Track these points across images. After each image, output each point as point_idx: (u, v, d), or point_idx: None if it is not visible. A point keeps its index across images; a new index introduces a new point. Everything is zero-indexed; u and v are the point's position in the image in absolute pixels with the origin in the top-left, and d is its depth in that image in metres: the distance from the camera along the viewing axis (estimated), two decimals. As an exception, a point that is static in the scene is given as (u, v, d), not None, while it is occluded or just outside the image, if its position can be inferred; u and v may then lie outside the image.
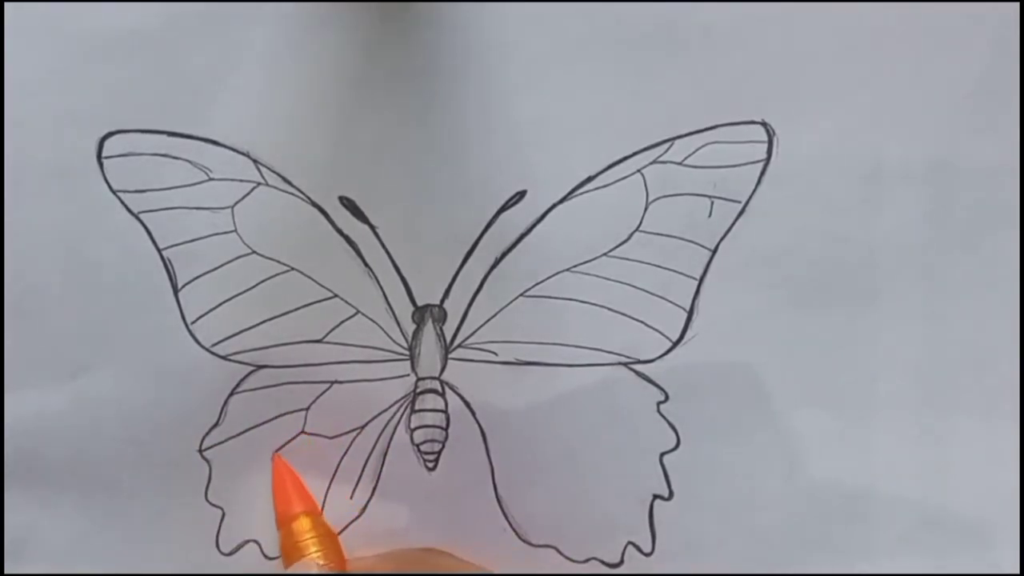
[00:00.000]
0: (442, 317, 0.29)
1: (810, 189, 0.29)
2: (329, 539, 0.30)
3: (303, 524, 0.30)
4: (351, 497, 0.31)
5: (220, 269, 0.29)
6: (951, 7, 0.28)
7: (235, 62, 0.28)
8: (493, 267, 0.29)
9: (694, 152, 0.28)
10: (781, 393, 0.30)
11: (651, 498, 0.30)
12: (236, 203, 0.28)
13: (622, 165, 0.28)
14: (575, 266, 0.29)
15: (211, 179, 0.28)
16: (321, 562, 0.29)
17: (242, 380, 0.29)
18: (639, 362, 0.30)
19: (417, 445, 0.30)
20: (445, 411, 0.30)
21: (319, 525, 0.30)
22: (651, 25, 0.28)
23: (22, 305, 0.29)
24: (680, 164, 0.28)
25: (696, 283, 0.29)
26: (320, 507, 0.30)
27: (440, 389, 0.30)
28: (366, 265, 0.29)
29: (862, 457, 0.30)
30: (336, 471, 0.30)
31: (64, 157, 0.28)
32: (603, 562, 0.31)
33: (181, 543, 0.30)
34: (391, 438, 0.30)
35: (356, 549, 0.30)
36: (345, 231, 0.29)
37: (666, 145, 0.28)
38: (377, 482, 0.30)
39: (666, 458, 0.30)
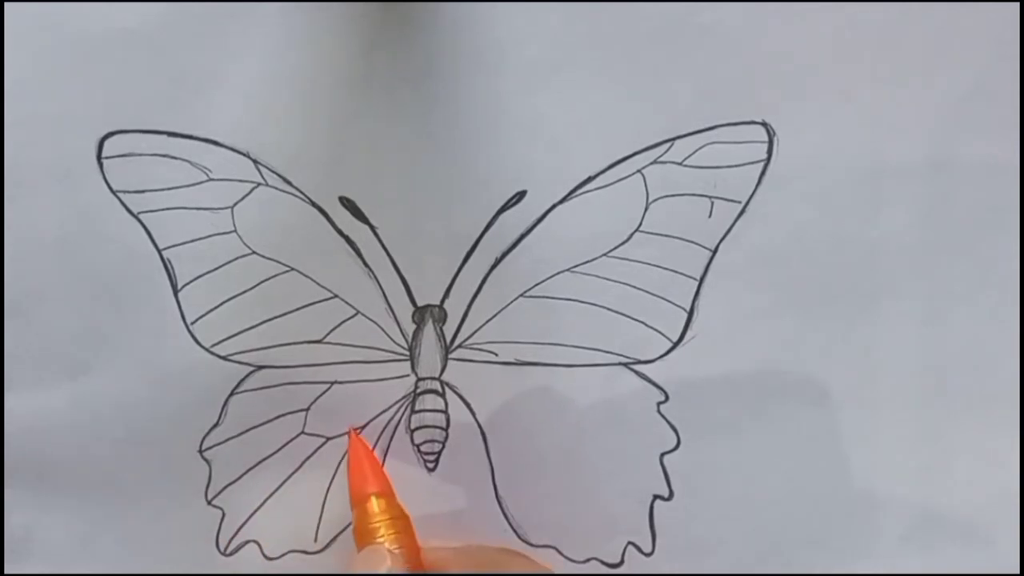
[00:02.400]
0: (442, 317, 0.29)
1: (810, 189, 0.29)
2: (402, 522, 0.29)
3: (376, 505, 0.29)
4: (351, 498, 0.31)
5: (220, 269, 0.29)
6: (951, 7, 0.28)
7: (235, 62, 0.28)
8: (493, 267, 0.29)
9: (694, 152, 0.28)
10: (781, 393, 0.30)
11: (651, 498, 0.30)
12: (236, 203, 0.28)
13: (622, 165, 0.28)
14: (575, 266, 0.29)
15: (211, 179, 0.28)
16: (393, 547, 0.28)
17: (242, 380, 0.29)
18: (639, 362, 0.30)
19: (417, 445, 0.30)
20: (445, 411, 0.30)
21: (393, 507, 0.29)
22: (651, 25, 0.28)
23: (22, 305, 0.29)
24: (680, 164, 0.28)
25: (696, 283, 0.29)
26: (393, 489, 0.30)
27: (440, 389, 0.30)
28: (366, 265, 0.29)
29: (862, 457, 0.30)
30: (336, 471, 0.30)
31: (64, 157, 0.28)
32: (603, 562, 0.31)
33: (181, 543, 0.30)
34: (391, 438, 0.30)
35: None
36: (345, 231, 0.29)
37: (666, 145, 0.28)
38: (377, 482, 0.30)
39: (666, 458, 0.30)
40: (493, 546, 0.30)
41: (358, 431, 0.30)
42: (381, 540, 0.28)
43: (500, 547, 0.30)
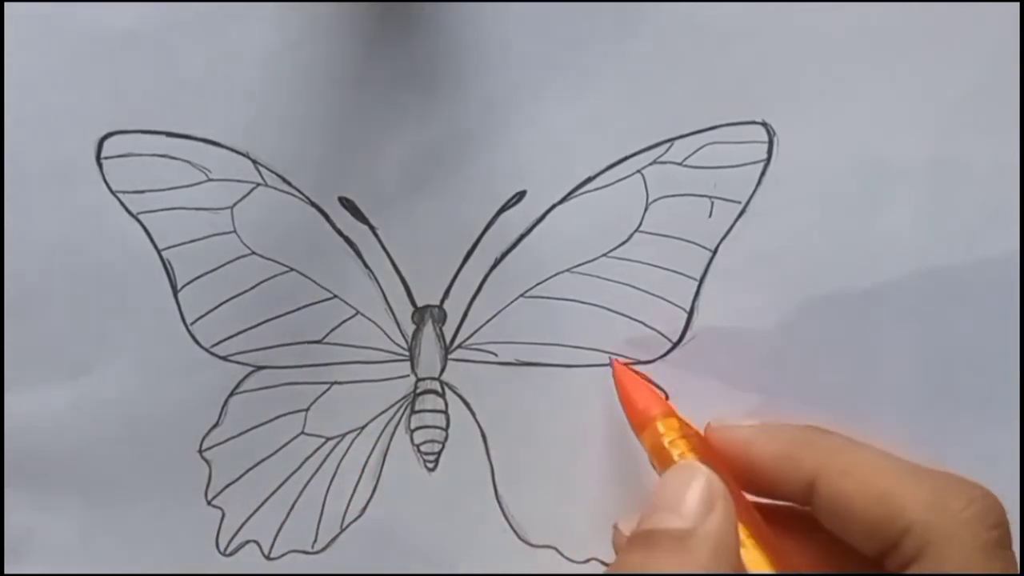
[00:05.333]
0: (442, 318, 0.29)
1: (810, 189, 0.29)
2: (697, 438, 0.27)
3: (664, 426, 0.27)
4: (351, 497, 0.31)
5: (220, 270, 0.29)
6: (951, 7, 0.28)
7: (235, 62, 0.28)
8: (493, 267, 0.29)
9: (694, 152, 0.28)
10: (781, 393, 0.30)
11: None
12: (235, 204, 0.28)
13: (622, 165, 0.28)
14: (575, 266, 0.29)
15: (210, 180, 0.28)
16: (698, 461, 0.26)
17: (242, 381, 0.29)
18: (639, 362, 0.30)
19: (417, 445, 0.30)
20: (445, 411, 0.30)
21: (683, 425, 0.27)
22: (651, 25, 0.28)
23: (22, 305, 0.29)
24: (680, 164, 0.28)
25: (696, 283, 0.29)
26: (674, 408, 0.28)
27: (440, 390, 0.30)
28: (366, 265, 0.29)
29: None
30: (336, 471, 0.30)
31: (64, 157, 0.28)
32: (603, 562, 0.31)
33: (181, 543, 0.30)
34: (391, 438, 0.30)
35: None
36: (345, 231, 0.29)
37: (666, 145, 0.28)
38: (377, 482, 0.30)
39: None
40: (795, 423, 0.27)
41: (620, 361, 0.29)
42: (686, 456, 0.26)
43: (805, 425, 0.27)
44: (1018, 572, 0.24)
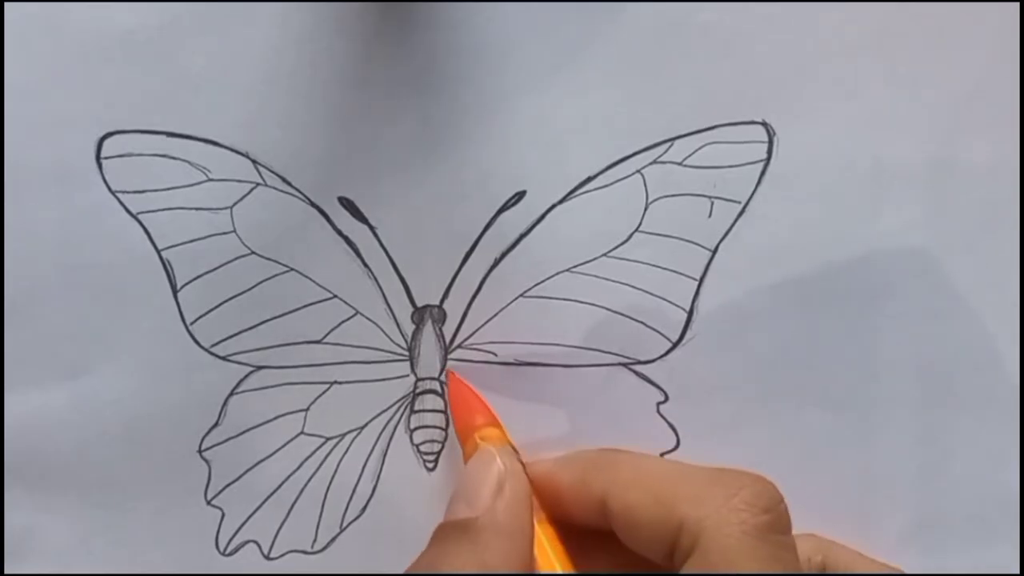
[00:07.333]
0: (441, 318, 0.30)
1: (810, 189, 0.29)
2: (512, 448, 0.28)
3: (486, 434, 0.28)
4: (351, 497, 0.31)
5: (219, 269, 0.29)
6: (951, 7, 0.28)
7: (235, 62, 0.28)
8: (493, 267, 0.29)
9: (694, 152, 0.28)
10: (781, 393, 0.30)
11: (651, 498, 0.30)
12: (235, 204, 0.28)
13: (622, 165, 0.28)
14: (575, 266, 0.29)
15: (210, 179, 0.28)
16: (502, 448, 0.27)
17: (242, 380, 0.29)
18: (639, 362, 0.30)
19: (417, 445, 0.30)
20: (445, 411, 0.30)
21: (503, 437, 0.28)
22: (651, 25, 0.28)
23: (22, 305, 0.29)
24: (680, 164, 0.28)
25: (696, 283, 0.29)
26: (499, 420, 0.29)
27: (440, 390, 0.30)
28: (365, 265, 0.29)
29: (862, 457, 0.30)
30: (336, 471, 0.30)
31: (63, 157, 0.28)
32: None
33: (181, 543, 0.30)
34: (391, 438, 0.30)
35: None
36: (345, 231, 0.29)
37: (666, 145, 0.28)
38: (377, 482, 0.30)
39: (666, 459, 0.30)
40: (592, 448, 0.28)
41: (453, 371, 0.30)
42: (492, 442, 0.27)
43: (600, 448, 0.28)
44: (796, 555, 0.24)
